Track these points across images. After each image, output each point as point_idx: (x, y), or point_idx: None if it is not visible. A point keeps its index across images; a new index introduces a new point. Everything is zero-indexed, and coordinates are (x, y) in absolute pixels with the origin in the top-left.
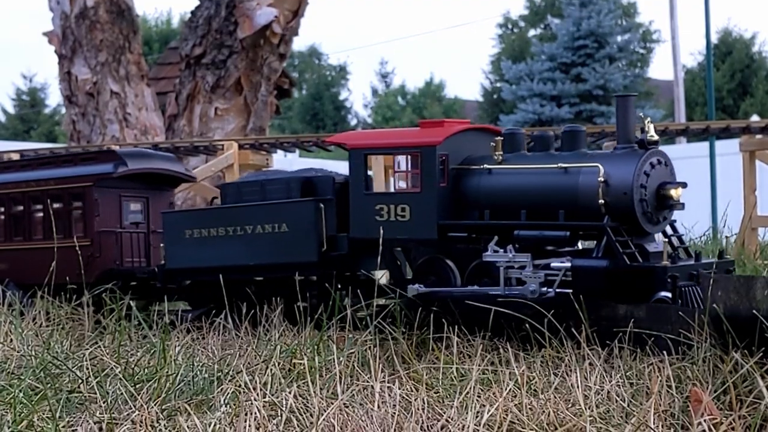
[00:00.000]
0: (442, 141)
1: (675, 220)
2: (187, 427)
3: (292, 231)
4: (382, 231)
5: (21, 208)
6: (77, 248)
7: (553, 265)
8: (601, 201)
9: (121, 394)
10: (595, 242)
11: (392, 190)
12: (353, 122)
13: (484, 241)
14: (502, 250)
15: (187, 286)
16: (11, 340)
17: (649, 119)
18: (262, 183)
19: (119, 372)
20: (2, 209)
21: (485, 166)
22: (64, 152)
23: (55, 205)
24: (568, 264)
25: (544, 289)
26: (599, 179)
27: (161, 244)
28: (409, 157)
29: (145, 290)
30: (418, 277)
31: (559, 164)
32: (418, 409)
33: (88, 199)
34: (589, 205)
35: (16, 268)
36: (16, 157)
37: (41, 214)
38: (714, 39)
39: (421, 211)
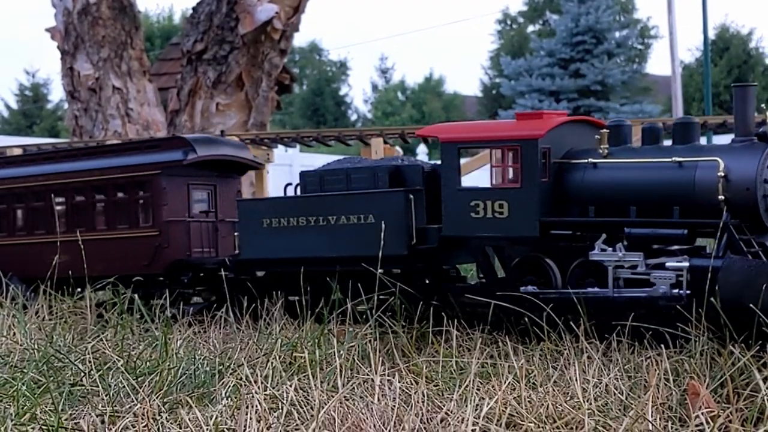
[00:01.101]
0: (545, 134)
1: None
2: (189, 419)
3: (380, 222)
4: (477, 228)
5: (83, 198)
6: (144, 239)
7: (668, 264)
8: (721, 197)
9: (123, 387)
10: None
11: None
12: (353, 117)
13: (591, 239)
14: (610, 249)
15: (261, 277)
16: (14, 333)
17: None
18: (347, 171)
19: (121, 365)
20: (63, 200)
21: (590, 160)
22: (125, 141)
23: (120, 195)
24: (686, 264)
25: (676, 290)
26: (719, 174)
27: (235, 233)
28: (507, 150)
29: (215, 282)
30: (513, 276)
31: (674, 158)
32: (417, 401)
33: (155, 187)
34: (708, 201)
35: (78, 259)
36: (18, 152)
37: (104, 204)
38: (711, 35)
39: (521, 208)
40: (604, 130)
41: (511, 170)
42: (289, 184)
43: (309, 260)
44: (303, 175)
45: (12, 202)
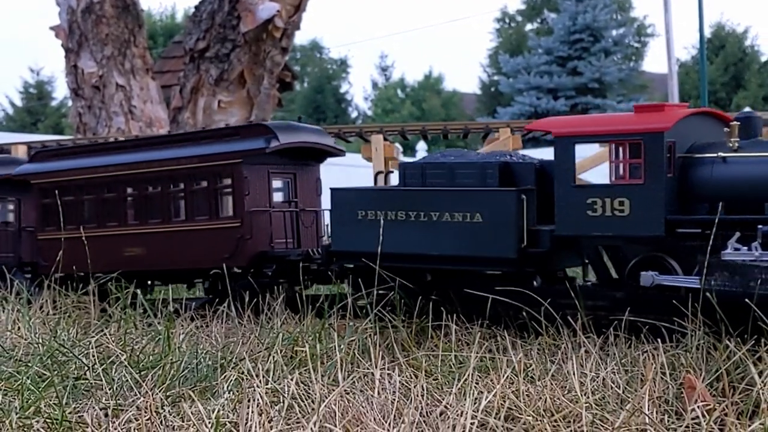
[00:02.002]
0: (671, 127)
1: None
2: (191, 413)
3: (488, 222)
4: (593, 227)
5: (157, 189)
6: (225, 230)
7: None
8: None
9: (127, 380)
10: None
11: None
12: (354, 114)
13: (723, 237)
14: (744, 248)
15: (351, 271)
16: (19, 327)
17: None
18: (451, 166)
19: (124, 359)
20: (135, 191)
21: (719, 154)
22: (202, 129)
23: (198, 185)
24: None
25: None
26: None
27: (326, 224)
28: (629, 144)
29: (298, 274)
30: (632, 277)
31: None
32: (417, 395)
33: (236, 176)
34: None
35: (152, 252)
36: (23, 148)
37: (181, 195)
38: (707, 33)
39: (645, 205)
40: (735, 123)
41: (631, 166)
42: (380, 172)
43: (406, 256)
44: (403, 167)
45: (80, 194)
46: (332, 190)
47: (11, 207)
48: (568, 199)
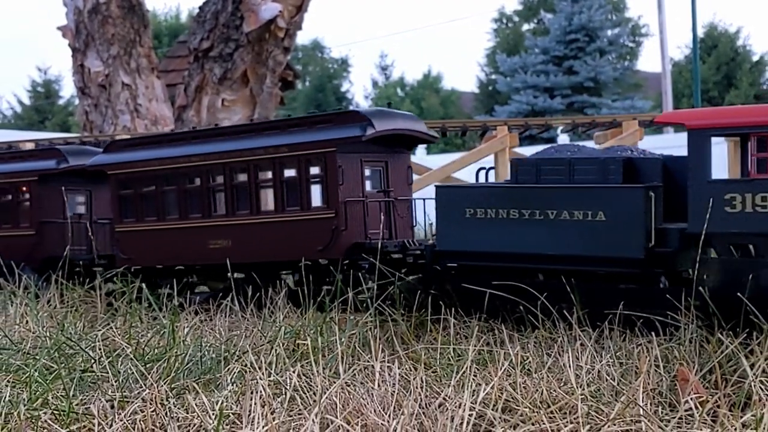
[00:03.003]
0: None
1: None
2: (196, 404)
3: (611, 221)
4: (731, 224)
5: (245, 179)
6: (319, 221)
7: None
8: None
9: (132, 373)
10: None
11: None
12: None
13: None
14: None
15: (457, 269)
16: (27, 321)
17: None
18: (570, 161)
19: (130, 352)
20: (221, 181)
21: None
22: (289, 117)
23: (289, 174)
24: None
25: None
26: None
27: (431, 222)
28: None
29: (393, 268)
30: None
31: None
32: (416, 387)
33: (330, 165)
34: None
35: (239, 245)
36: (31, 146)
37: (271, 185)
38: (700, 33)
39: None
40: None
41: None
42: (482, 168)
43: (517, 256)
44: (515, 163)
45: (162, 185)
46: (437, 187)
47: (82, 199)
48: (702, 195)
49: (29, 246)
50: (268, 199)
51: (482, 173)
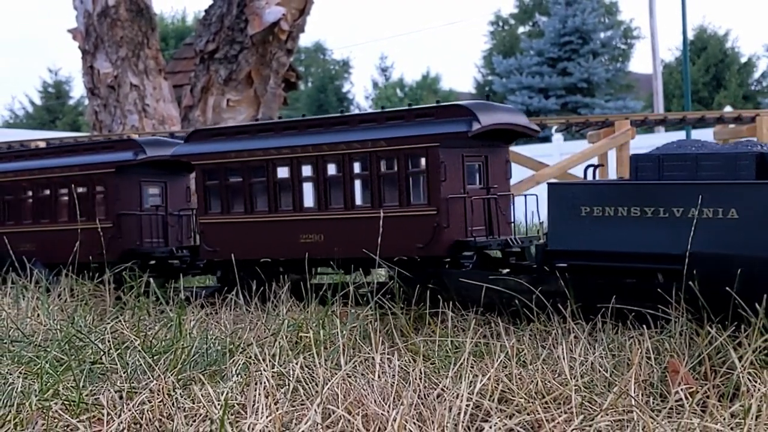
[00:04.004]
0: None
1: None
2: (202, 395)
3: (745, 219)
4: None
5: (339, 172)
6: (419, 218)
7: None
8: None
9: (140, 365)
10: None
11: None
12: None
13: None
14: None
15: (568, 270)
16: (38, 314)
17: None
18: (696, 157)
19: (138, 344)
20: (313, 174)
21: None
22: (385, 109)
23: (387, 169)
24: None
25: None
26: None
27: (545, 221)
28: None
29: (494, 266)
30: None
31: None
32: (415, 378)
33: (432, 161)
34: None
35: (333, 240)
36: (42, 145)
37: (367, 180)
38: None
39: None
40: None
41: None
42: (591, 165)
43: (637, 255)
44: (635, 158)
45: (251, 176)
46: (550, 185)
47: (157, 191)
48: None
49: (106, 239)
50: (363, 193)
51: (590, 170)
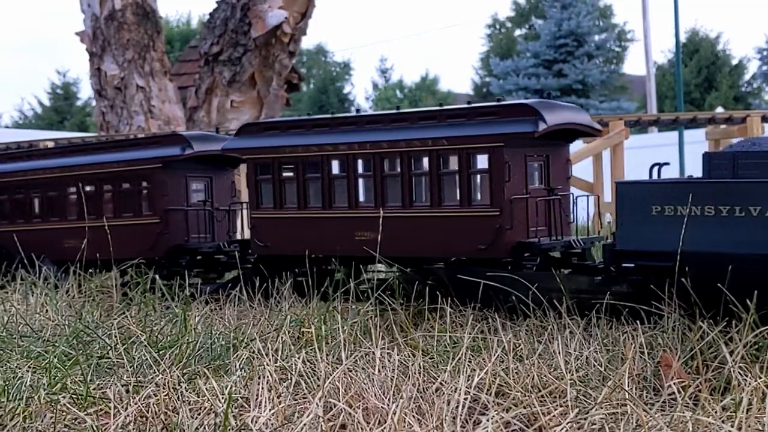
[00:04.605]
0: None
1: None
2: (206, 389)
3: None
4: None
5: (397, 169)
6: (481, 218)
7: None
8: None
9: (146, 359)
10: None
11: None
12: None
13: None
14: None
15: (635, 271)
16: (47, 310)
17: None
18: None
19: (144, 340)
20: (369, 171)
21: None
22: (446, 107)
23: (446, 168)
24: None
25: None
26: None
27: (613, 220)
28: None
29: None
30: None
31: None
32: (414, 373)
33: (496, 161)
34: None
35: (389, 237)
36: (51, 145)
37: (427, 178)
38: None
39: None
40: None
41: None
42: (656, 164)
43: (710, 256)
44: (709, 156)
45: (305, 172)
46: (618, 183)
47: (200, 186)
48: None
49: (154, 235)
50: (422, 192)
51: (655, 169)
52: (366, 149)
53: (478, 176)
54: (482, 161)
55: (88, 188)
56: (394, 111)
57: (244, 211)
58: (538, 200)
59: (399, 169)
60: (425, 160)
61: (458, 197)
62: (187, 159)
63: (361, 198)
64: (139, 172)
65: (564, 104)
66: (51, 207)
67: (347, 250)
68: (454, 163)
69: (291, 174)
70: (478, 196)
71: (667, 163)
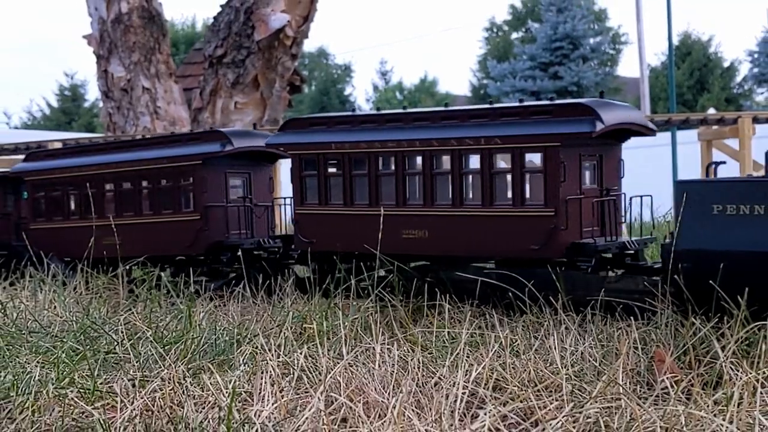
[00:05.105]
0: None
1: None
2: (210, 383)
3: None
4: None
5: (447, 167)
6: (536, 218)
7: None
8: None
9: (152, 354)
10: None
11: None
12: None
13: None
14: None
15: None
16: (55, 307)
17: None
18: None
19: (150, 335)
20: (422, 168)
21: None
22: (496, 105)
23: (499, 167)
24: None
25: None
26: None
27: (678, 219)
28: None
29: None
30: None
31: None
32: (414, 367)
33: (551, 161)
34: None
35: (437, 236)
36: (59, 145)
37: (478, 176)
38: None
39: None
40: None
41: None
42: (713, 163)
43: None
44: None
45: (351, 168)
46: (679, 182)
47: (239, 182)
48: None
49: (194, 232)
50: (473, 190)
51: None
52: (416, 147)
53: (532, 176)
54: (537, 160)
55: (126, 185)
56: (443, 108)
57: (283, 208)
58: (593, 201)
59: (450, 168)
60: (477, 159)
61: (511, 197)
62: (227, 155)
63: (410, 196)
64: (179, 169)
65: (619, 103)
66: (88, 204)
67: (393, 248)
68: (507, 162)
69: (337, 170)
70: (532, 196)
71: (723, 162)
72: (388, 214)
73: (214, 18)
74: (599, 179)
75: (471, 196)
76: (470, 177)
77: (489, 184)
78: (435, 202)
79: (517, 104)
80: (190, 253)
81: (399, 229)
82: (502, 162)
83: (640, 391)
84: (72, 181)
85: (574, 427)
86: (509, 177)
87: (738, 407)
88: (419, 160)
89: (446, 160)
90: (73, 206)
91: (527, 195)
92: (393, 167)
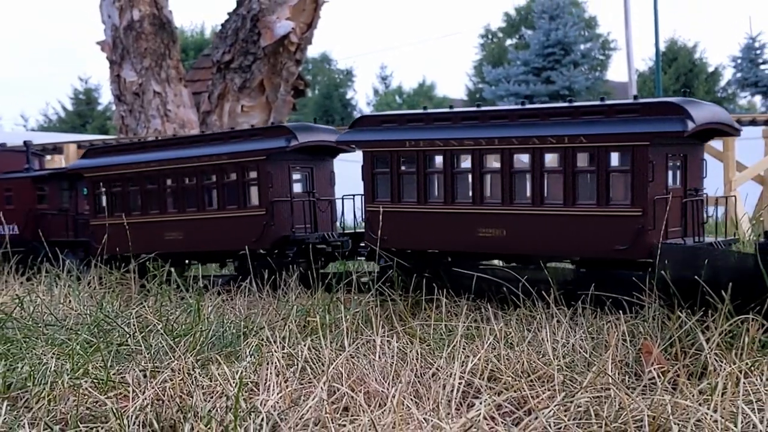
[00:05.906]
0: None
1: None
2: (218, 374)
3: None
4: None
5: (526, 165)
6: (624, 218)
7: None
8: None
9: (162, 346)
10: None
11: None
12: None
13: None
14: None
15: None
16: (70, 301)
17: None
18: None
19: (161, 328)
20: (500, 167)
21: None
22: (578, 104)
23: (580, 165)
24: None
25: None
26: None
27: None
28: None
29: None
30: None
31: None
32: (412, 359)
33: (639, 160)
34: None
35: (517, 234)
36: (73, 147)
37: (558, 174)
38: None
39: None
40: None
41: None
42: None
43: None
44: None
45: (425, 166)
46: None
47: (303, 177)
48: None
49: (260, 227)
50: (554, 189)
51: None
52: (494, 145)
53: (618, 175)
54: (623, 160)
55: (189, 181)
56: (520, 107)
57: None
58: (683, 201)
59: (530, 166)
60: (559, 157)
61: (595, 196)
62: (291, 150)
63: (487, 194)
64: (244, 164)
65: (706, 102)
66: (151, 200)
67: (469, 247)
68: (591, 161)
69: (410, 168)
70: (617, 196)
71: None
72: (463, 212)
73: (222, 25)
74: (684, 179)
75: (552, 194)
76: (551, 175)
77: (571, 183)
78: (513, 201)
79: (600, 103)
80: (256, 248)
81: (475, 228)
82: (587, 161)
83: (628, 381)
84: (134, 177)
85: (565, 416)
86: (594, 176)
87: (722, 397)
88: (499, 158)
89: (527, 158)
90: (136, 202)
91: (612, 194)
92: (470, 165)
